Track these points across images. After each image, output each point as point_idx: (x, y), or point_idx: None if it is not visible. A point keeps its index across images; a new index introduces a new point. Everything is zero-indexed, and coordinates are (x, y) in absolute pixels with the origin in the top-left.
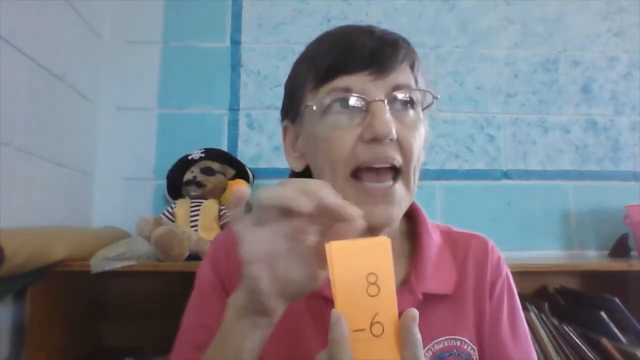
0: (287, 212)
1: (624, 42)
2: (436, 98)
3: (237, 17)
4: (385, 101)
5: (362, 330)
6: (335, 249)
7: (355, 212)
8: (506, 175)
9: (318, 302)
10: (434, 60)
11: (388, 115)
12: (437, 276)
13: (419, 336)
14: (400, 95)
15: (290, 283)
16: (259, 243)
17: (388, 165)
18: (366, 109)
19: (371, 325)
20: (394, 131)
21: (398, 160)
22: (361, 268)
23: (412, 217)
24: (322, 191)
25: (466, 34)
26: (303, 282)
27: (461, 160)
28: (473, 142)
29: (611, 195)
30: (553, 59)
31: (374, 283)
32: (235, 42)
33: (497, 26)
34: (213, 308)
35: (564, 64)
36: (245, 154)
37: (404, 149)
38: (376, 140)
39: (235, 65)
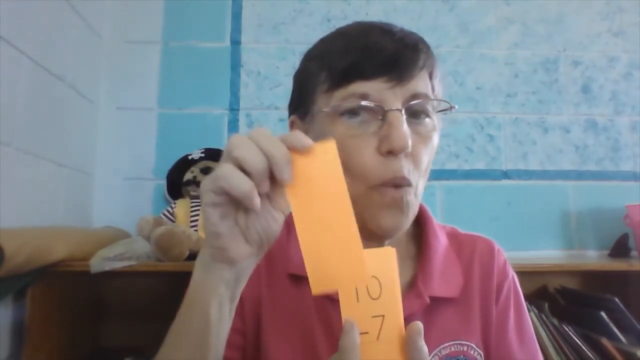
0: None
1: (624, 42)
2: (453, 107)
3: (237, 17)
4: (403, 110)
5: (366, 333)
6: None
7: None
8: (506, 175)
9: (325, 303)
10: None
11: (405, 126)
12: (444, 279)
13: (425, 349)
14: (417, 105)
15: (250, 230)
16: (215, 220)
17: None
18: (382, 117)
19: (375, 328)
20: (410, 144)
21: (415, 178)
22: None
23: (418, 218)
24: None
25: (466, 34)
26: (263, 228)
27: (461, 160)
28: (473, 142)
29: (611, 195)
30: (553, 59)
31: (378, 288)
32: (235, 42)
33: (497, 26)
34: None
35: (564, 64)
36: None
37: (415, 162)
38: (392, 153)
39: (235, 65)
